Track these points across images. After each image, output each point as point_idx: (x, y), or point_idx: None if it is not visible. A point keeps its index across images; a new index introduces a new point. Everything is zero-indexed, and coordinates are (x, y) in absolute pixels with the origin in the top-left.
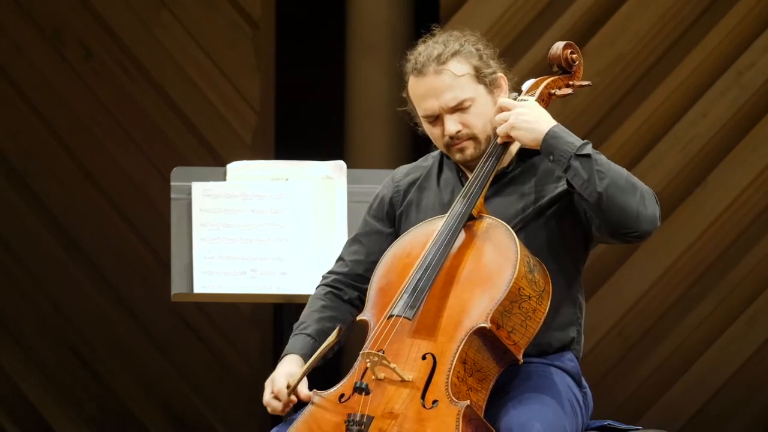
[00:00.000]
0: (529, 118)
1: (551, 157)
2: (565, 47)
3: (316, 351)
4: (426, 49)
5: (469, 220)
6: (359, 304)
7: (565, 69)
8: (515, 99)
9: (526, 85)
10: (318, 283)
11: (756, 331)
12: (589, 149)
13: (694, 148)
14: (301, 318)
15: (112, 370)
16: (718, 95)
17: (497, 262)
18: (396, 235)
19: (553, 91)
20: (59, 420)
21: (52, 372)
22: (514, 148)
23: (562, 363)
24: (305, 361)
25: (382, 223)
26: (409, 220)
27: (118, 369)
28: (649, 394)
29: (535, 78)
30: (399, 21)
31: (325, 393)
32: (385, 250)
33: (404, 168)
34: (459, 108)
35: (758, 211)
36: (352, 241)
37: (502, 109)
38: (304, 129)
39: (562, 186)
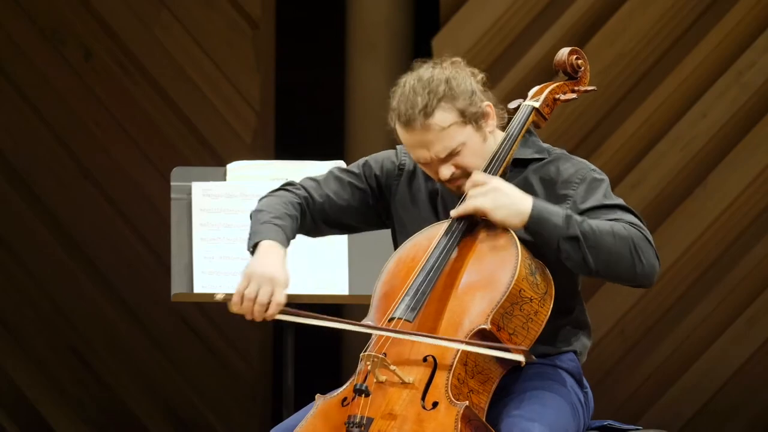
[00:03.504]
0: (505, 201)
1: (537, 240)
2: (571, 53)
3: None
4: (410, 97)
5: (471, 224)
6: (307, 232)
7: (570, 75)
8: (518, 106)
9: (532, 92)
10: (284, 187)
11: (756, 331)
12: (574, 228)
13: (694, 148)
14: (267, 207)
15: (112, 370)
16: (718, 95)
17: (498, 264)
18: (377, 213)
19: (557, 97)
20: (59, 420)
21: (52, 372)
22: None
23: (562, 363)
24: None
25: (371, 188)
26: (412, 214)
27: (118, 369)
28: (649, 394)
29: (540, 84)
30: (399, 21)
31: (328, 396)
32: (359, 213)
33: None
34: (450, 155)
35: (758, 211)
36: (337, 179)
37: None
38: (304, 129)
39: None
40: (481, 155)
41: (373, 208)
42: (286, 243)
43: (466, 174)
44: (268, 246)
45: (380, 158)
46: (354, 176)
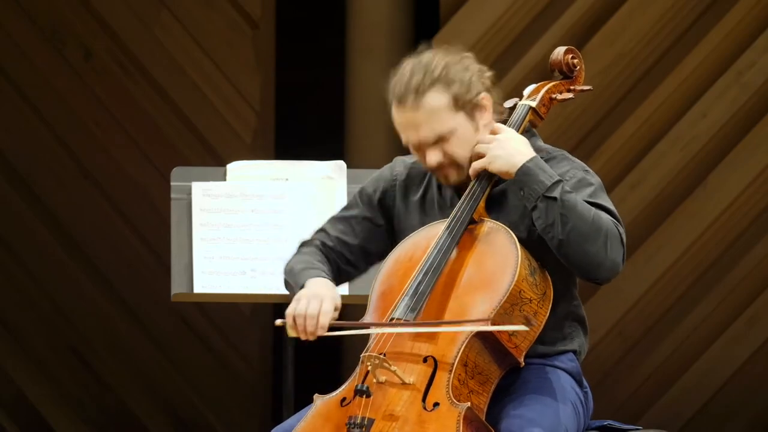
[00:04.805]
0: (502, 152)
1: (521, 193)
2: (566, 52)
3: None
4: (406, 77)
5: (470, 224)
6: (344, 279)
7: (566, 74)
8: (515, 105)
9: (527, 91)
10: (300, 248)
11: (756, 331)
12: (557, 191)
13: (694, 148)
14: (296, 264)
15: (112, 370)
16: (718, 95)
17: (498, 265)
18: (389, 231)
19: (554, 96)
20: (59, 420)
21: (52, 372)
22: None
23: (562, 363)
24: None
25: (373, 212)
26: (409, 222)
27: (118, 369)
28: (649, 394)
29: (536, 83)
30: (399, 21)
31: (327, 397)
32: (374, 239)
33: (407, 162)
34: (439, 140)
35: (758, 211)
36: (341, 219)
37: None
38: (304, 129)
39: None
40: (471, 146)
41: (383, 228)
42: (331, 279)
43: (454, 163)
44: (313, 280)
45: (375, 177)
46: (353, 209)
